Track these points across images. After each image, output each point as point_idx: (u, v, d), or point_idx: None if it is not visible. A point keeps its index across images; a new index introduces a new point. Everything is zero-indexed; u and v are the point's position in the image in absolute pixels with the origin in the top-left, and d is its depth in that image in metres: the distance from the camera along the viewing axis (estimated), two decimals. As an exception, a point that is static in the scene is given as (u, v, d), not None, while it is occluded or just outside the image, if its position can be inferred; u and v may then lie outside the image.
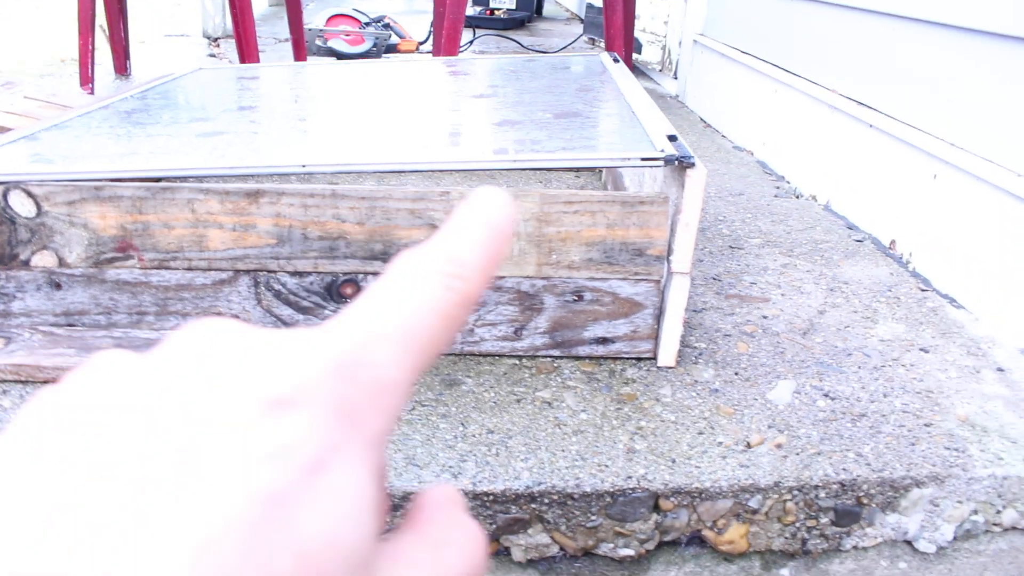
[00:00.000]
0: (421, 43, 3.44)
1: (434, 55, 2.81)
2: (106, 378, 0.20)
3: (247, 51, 2.66)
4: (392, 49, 3.38)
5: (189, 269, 1.02)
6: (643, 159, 0.98)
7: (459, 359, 1.06)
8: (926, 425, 0.96)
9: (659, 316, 1.05)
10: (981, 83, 1.27)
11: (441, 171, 1.00)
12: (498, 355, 1.07)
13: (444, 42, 2.46)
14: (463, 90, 1.49)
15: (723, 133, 2.34)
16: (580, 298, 1.04)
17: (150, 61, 3.14)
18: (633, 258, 1.01)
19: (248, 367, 0.20)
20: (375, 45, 3.27)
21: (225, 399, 0.19)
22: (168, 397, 0.19)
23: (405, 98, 1.42)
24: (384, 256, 1.01)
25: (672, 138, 1.04)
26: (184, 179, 1.07)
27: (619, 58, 1.74)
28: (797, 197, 1.77)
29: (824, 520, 0.89)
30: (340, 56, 3.23)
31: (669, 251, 1.01)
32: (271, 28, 4.13)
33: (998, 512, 0.92)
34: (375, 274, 1.02)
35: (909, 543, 0.92)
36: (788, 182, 1.88)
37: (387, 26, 3.37)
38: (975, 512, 0.92)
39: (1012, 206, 1.17)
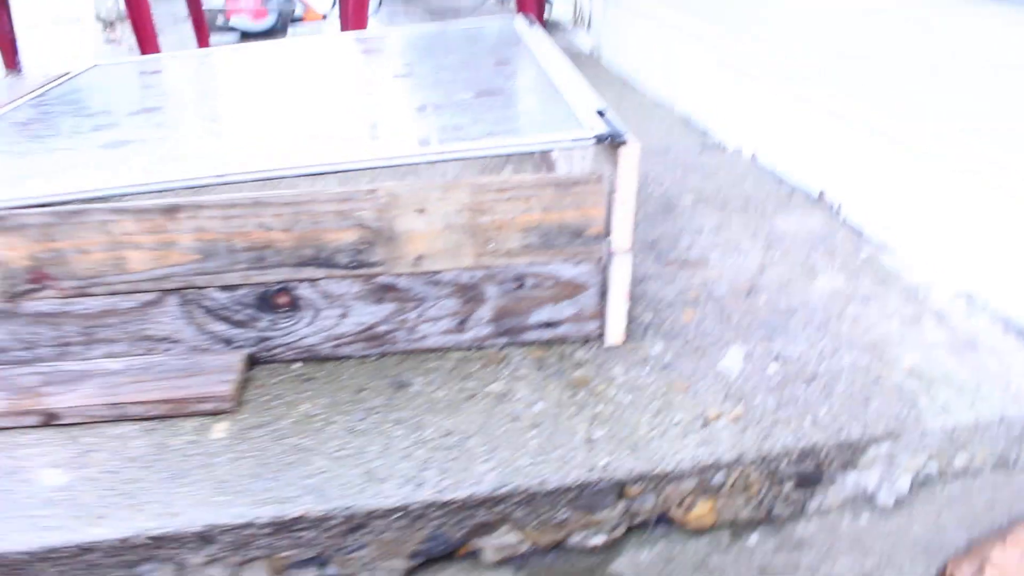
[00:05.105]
0: (326, 14, 3.33)
1: (342, 26, 2.72)
2: None
3: (144, 36, 2.54)
4: (297, 21, 3.27)
5: (112, 294, 0.97)
6: (573, 140, 0.95)
7: (404, 358, 1.03)
8: (876, 380, 0.97)
9: (603, 295, 1.03)
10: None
11: (366, 170, 0.96)
12: (443, 349, 1.05)
13: (352, 13, 2.39)
14: (379, 71, 1.43)
15: (642, 88, 2.32)
16: (522, 284, 1.01)
17: (42, 52, 2.99)
18: (572, 240, 0.99)
19: None
20: (280, 19, 3.16)
21: None
22: None
23: (319, 84, 1.36)
24: (316, 261, 0.97)
25: (601, 112, 1.02)
26: (96, 199, 1.01)
27: (534, 19, 1.70)
28: (723, 150, 1.77)
29: (787, 487, 0.90)
30: (244, 33, 3.11)
31: (608, 230, 0.99)
32: (169, 7, 3.95)
33: (950, 459, 0.94)
34: (309, 280, 0.98)
35: (870, 498, 0.93)
36: (713, 135, 1.87)
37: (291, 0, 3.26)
38: (930, 459, 0.93)
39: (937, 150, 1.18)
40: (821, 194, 1.46)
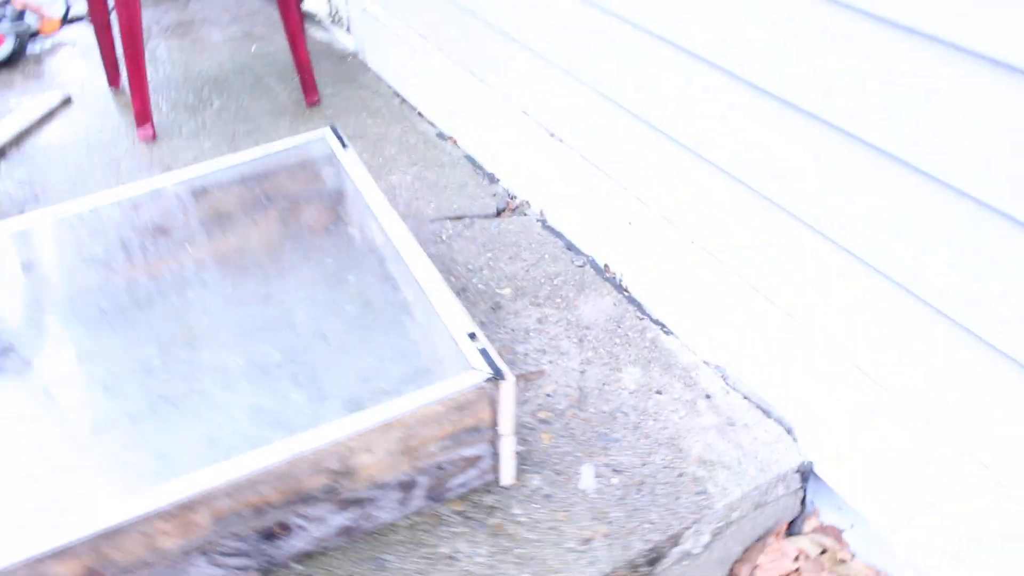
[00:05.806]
0: (65, 19, 3.25)
1: (108, 74, 2.77)
2: None
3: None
4: (35, 36, 3.18)
5: (149, 566, 1.29)
6: (471, 386, 1.35)
7: (370, 537, 1.44)
8: (680, 476, 1.50)
9: (497, 457, 1.47)
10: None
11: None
12: (395, 520, 1.46)
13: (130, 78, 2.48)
14: (238, 287, 1.70)
15: (420, 110, 2.59)
16: (442, 469, 1.43)
17: None
18: (472, 434, 1.41)
19: None
20: (19, 41, 3.06)
21: None
22: None
23: (204, 310, 1.62)
24: (300, 501, 1.34)
25: (472, 336, 1.42)
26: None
27: (341, 135, 1.97)
28: (516, 209, 2.16)
29: (643, 569, 1.42)
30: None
31: (496, 423, 1.42)
32: None
33: (730, 517, 1.49)
34: (298, 514, 1.35)
35: (688, 552, 1.48)
36: (499, 182, 2.25)
37: (21, 15, 3.14)
38: (719, 522, 1.49)
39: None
40: (606, 266, 1.93)
